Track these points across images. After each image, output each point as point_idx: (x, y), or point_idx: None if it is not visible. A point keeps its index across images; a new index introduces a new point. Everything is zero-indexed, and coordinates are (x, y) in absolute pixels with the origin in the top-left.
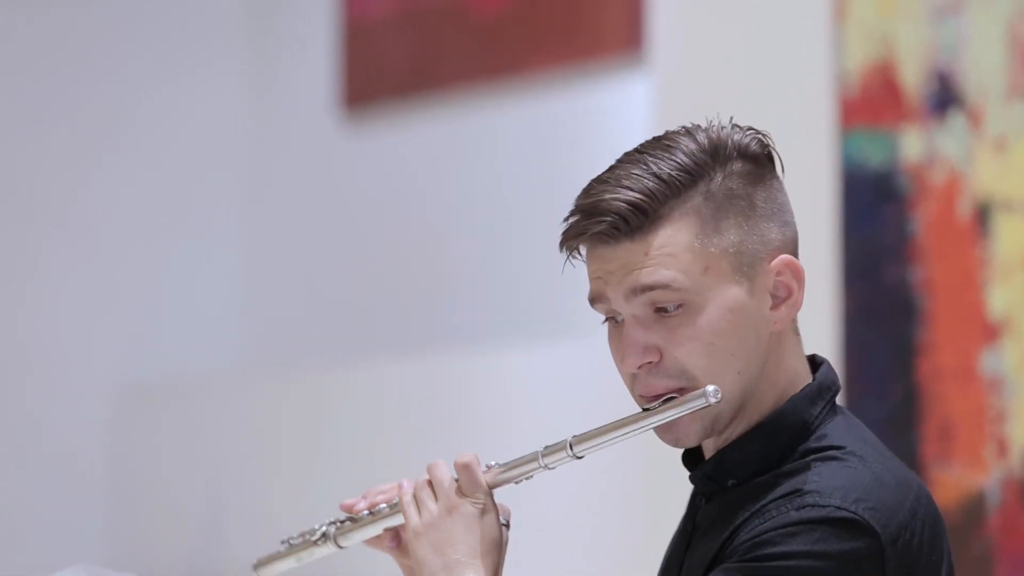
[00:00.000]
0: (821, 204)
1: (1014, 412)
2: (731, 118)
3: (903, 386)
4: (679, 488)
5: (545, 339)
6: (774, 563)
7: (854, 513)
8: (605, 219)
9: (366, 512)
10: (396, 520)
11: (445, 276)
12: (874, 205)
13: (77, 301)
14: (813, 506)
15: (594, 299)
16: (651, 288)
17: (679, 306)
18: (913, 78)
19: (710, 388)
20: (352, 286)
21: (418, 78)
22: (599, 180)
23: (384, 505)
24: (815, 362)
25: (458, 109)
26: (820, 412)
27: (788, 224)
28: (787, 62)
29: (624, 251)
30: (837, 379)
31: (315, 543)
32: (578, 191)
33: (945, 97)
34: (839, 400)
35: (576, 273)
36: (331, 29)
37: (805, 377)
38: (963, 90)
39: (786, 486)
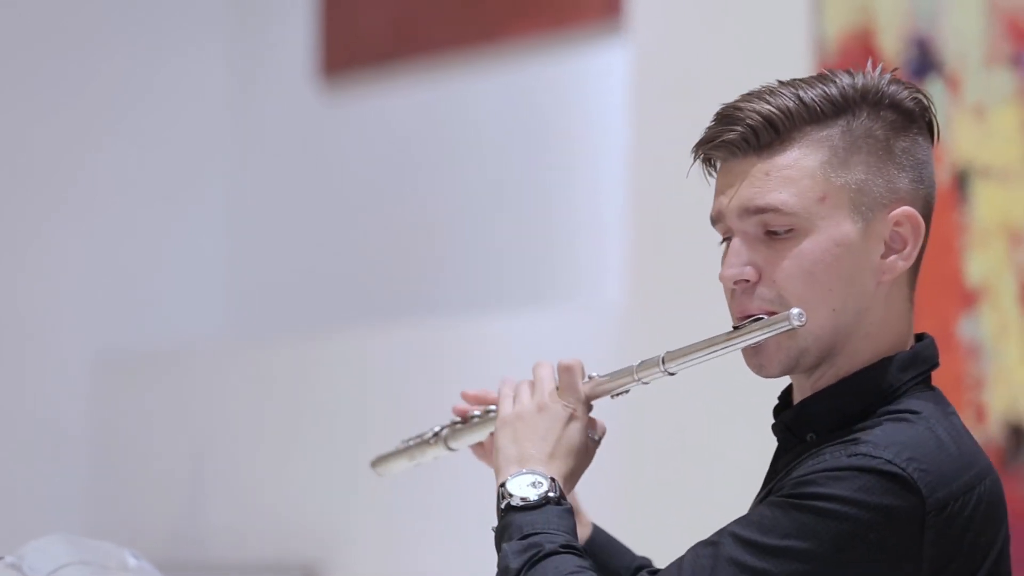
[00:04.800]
0: None
1: (992, 379)
2: (896, 69)
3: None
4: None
5: (526, 306)
6: (813, 502)
7: (903, 470)
8: (737, 128)
9: (477, 414)
10: None
11: (426, 244)
12: None
13: (60, 269)
14: (865, 455)
15: (714, 219)
16: (762, 211)
17: (789, 230)
18: (892, 44)
19: (795, 311)
20: (335, 255)
21: (398, 46)
22: (748, 92)
23: (494, 409)
24: (921, 338)
25: (438, 76)
26: (910, 380)
27: (923, 182)
28: (766, 28)
29: (748, 166)
30: (937, 356)
31: (427, 442)
32: (557, 158)
33: (924, 64)
34: None
35: (555, 240)
36: None
37: (906, 345)
38: (942, 57)
39: (850, 437)
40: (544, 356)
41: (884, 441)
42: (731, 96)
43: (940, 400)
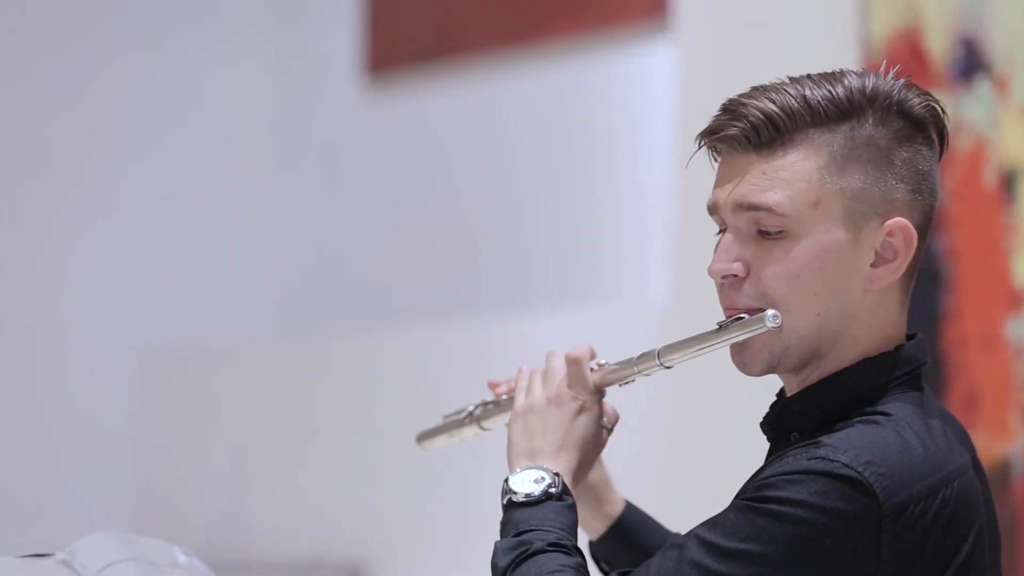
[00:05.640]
0: None
1: None
2: (910, 76)
3: (928, 354)
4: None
5: (567, 304)
6: (770, 506)
7: (859, 474)
8: (739, 124)
9: (505, 396)
10: None
11: (468, 242)
12: None
13: (102, 269)
14: (823, 459)
15: (710, 208)
16: (755, 208)
17: (780, 232)
18: (939, 44)
19: (769, 312)
20: (376, 253)
21: (441, 44)
22: (757, 86)
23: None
24: (912, 337)
25: (481, 75)
26: (891, 381)
27: (923, 193)
28: (812, 28)
29: (747, 163)
30: (925, 356)
31: (463, 422)
32: (601, 158)
33: (971, 63)
34: None
35: (599, 239)
36: None
37: (891, 347)
38: (989, 56)
39: (814, 439)
40: None
41: (844, 444)
42: None
43: (924, 401)
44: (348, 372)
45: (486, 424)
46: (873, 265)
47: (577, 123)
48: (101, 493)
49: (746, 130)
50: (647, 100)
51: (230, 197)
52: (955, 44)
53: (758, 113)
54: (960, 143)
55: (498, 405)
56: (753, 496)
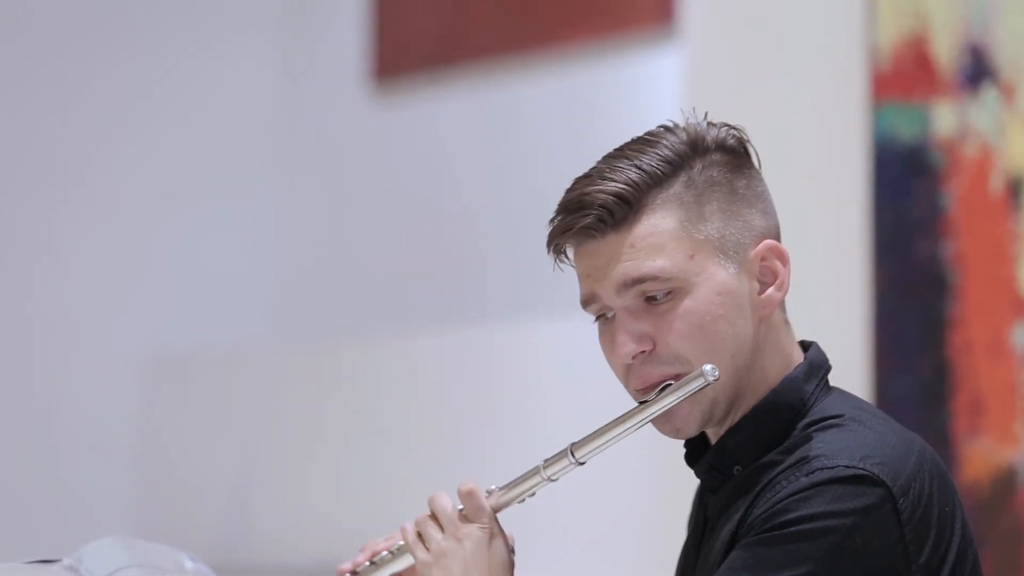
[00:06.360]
0: (852, 178)
1: None
2: (706, 114)
3: (934, 360)
4: (687, 487)
5: (574, 311)
6: (794, 528)
7: (862, 469)
8: (591, 212)
9: (367, 563)
10: (400, 564)
11: (475, 248)
12: (906, 179)
13: (106, 272)
14: (821, 469)
15: (586, 301)
16: (641, 280)
17: (668, 293)
18: (946, 52)
19: (707, 367)
20: (383, 258)
21: (448, 50)
22: (582, 176)
23: (386, 552)
24: (804, 345)
25: (489, 81)
26: (815, 389)
27: (769, 212)
28: (819, 35)
29: (609, 244)
30: (827, 358)
31: None
32: None
33: (978, 71)
34: (865, 379)
35: None
36: (362, 0)
37: (798, 361)
38: (996, 64)
39: (792, 458)
40: (594, 360)
41: (832, 450)
42: (783, 100)
43: (847, 396)
44: (353, 376)
45: None
46: (760, 293)
47: (584, 129)
48: (106, 497)
49: (600, 215)
50: (654, 106)
51: (236, 201)
52: (962, 51)
53: (604, 196)
54: (967, 150)
55: (376, 564)
56: (768, 527)
